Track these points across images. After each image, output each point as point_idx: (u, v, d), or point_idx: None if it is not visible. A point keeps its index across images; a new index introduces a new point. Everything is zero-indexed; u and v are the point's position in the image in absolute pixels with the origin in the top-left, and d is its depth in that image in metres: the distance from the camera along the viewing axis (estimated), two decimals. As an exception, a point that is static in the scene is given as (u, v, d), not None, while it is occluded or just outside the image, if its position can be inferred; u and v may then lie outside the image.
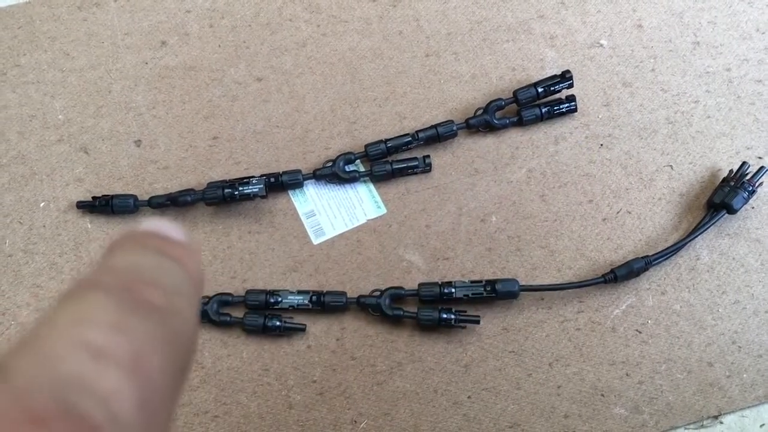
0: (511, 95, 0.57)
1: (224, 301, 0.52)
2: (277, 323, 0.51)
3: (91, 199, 0.54)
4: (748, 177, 0.54)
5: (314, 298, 0.52)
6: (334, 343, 0.52)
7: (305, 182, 0.55)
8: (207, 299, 0.52)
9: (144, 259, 0.20)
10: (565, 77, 0.56)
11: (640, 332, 0.52)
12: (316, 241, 0.55)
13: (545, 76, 0.57)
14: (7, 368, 0.16)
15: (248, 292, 0.52)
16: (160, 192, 0.55)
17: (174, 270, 0.20)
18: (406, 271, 0.54)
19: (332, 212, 0.55)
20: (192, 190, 0.54)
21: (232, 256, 0.54)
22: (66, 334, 0.17)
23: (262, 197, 0.53)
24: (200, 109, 0.58)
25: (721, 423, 0.51)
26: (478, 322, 0.51)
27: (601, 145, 0.57)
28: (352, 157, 0.56)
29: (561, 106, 0.57)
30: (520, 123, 0.57)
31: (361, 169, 0.56)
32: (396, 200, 0.56)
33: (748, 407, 0.51)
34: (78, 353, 0.16)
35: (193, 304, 0.21)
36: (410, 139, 0.56)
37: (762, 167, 0.54)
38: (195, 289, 0.21)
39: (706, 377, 0.51)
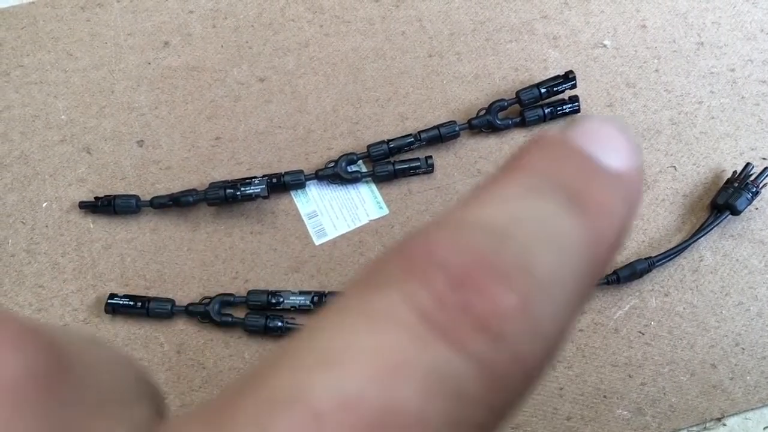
0: (514, 96, 0.57)
1: (226, 301, 0.52)
2: (279, 324, 0.51)
3: (93, 200, 0.55)
4: (752, 178, 0.54)
5: (316, 298, 0.52)
6: (336, 344, 0.52)
7: (307, 183, 0.55)
8: (209, 300, 0.52)
9: (531, 210, 0.11)
10: (569, 78, 0.56)
11: (642, 334, 0.52)
12: (318, 242, 0.55)
13: (548, 77, 0.57)
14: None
15: (250, 292, 0.52)
16: (163, 192, 0.55)
17: (570, 238, 0.11)
18: (408, 271, 0.54)
19: (334, 213, 0.55)
20: (194, 190, 0.54)
21: (234, 256, 0.54)
22: (289, 381, 0.10)
23: (264, 198, 0.53)
24: (203, 109, 0.58)
25: (725, 425, 0.50)
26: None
27: (604, 145, 0.57)
28: (355, 158, 0.56)
29: (564, 107, 0.57)
30: (523, 124, 0.57)
31: (364, 169, 0.56)
32: (398, 201, 0.56)
33: (752, 409, 0.51)
34: (291, 416, 0.10)
35: (575, 306, 0.12)
36: (412, 139, 0.56)
37: (766, 168, 0.54)
38: (590, 274, 0.12)
39: (709, 379, 0.51)
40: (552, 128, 0.11)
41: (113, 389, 0.13)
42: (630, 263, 0.52)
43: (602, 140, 0.13)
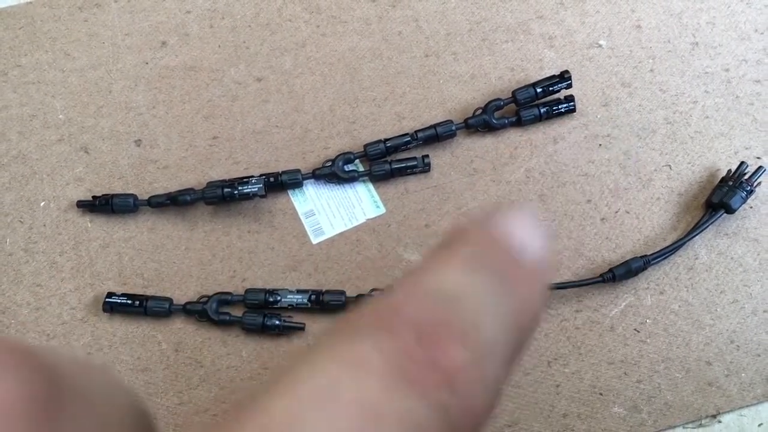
0: (510, 95, 0.57)
1: (224, 300, 0.52)
2: (276, 322, 0.51)
3: (91, 199, 0.55)
4: (746, 177, 0.54)
5: (313, 297, 0.52)
6: (333, 342, 0.52)
7: (304, 182, 0.56)
8: (206, 298, 0.52)
9: (472, 284, 0.14)
10: (564, 77, 0.57)
11: (638, 331, 0.52)
12: (315, 241, 0.55)
13: (544, 77, 0.58)
14: None
15: (247, 291, 0.52)
16: (160, 191, 0.55)
17: (503, 308, 0.14)
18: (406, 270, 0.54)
19: (331, 212, 0.56)
20: (192, 189, 0.54)
21: (231, 255, 0.54)
22: (275, 417, 0.11)
23: (262, 197, 0.53)
24: (200, 108, 0.58)
25: (720, 422, 0.51)
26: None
27: (600, 145, 0.57)
28: (352, 157, 0.56)
29: (560, 107, 0.57)
30: (519, 123, 0.57)
31: (361, 168, 0.57)
32: (395, 200, 0.56)
33: (747, 406, 0.51)
34: None
35: (509, 364, 0.14)
36: (409, 138, 0.56)
37: (760, 167, 0.54)
38: (519, 338, 0.14)
39: (704, 376, 0.51)
40: (477, 210, 0.15)
41: (107, 416, 0.14)
42: (625, 261, 0.52)
43: (518, 234, 0.15)
